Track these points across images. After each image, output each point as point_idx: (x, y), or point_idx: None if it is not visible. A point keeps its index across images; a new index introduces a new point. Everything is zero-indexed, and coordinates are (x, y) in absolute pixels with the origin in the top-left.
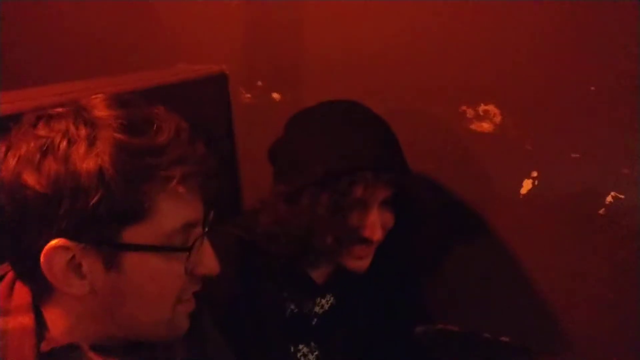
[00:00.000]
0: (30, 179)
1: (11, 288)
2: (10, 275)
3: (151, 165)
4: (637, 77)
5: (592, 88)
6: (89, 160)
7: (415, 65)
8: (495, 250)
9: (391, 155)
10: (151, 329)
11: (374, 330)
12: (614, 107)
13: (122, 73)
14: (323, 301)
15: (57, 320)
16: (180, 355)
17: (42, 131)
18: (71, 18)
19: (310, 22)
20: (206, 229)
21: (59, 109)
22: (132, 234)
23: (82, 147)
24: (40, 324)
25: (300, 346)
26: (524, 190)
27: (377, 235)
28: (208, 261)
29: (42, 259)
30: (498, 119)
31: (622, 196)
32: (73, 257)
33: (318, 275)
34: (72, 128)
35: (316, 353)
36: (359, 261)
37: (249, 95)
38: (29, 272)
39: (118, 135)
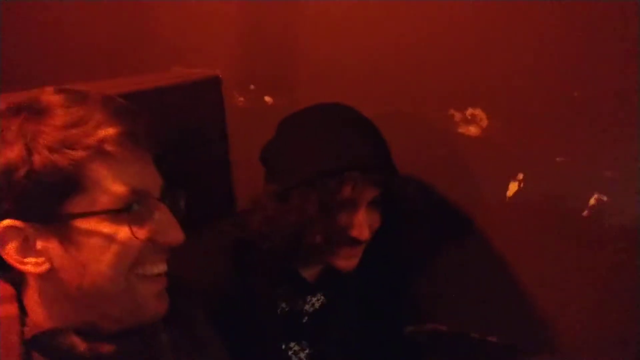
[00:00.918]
0: None
1: None
2: None
3: (74, 135)
4: (619, 82)
5: (576, 94)
6: (17, 141)
7: (404, 70)
8: (482, 251)
9: (379, 155)
10: (117, 306)
11: (364, 329)
12: (597, 112)
13: (116, 76)
14: (314, 299)
15: (35, 307)
16: (168, 346)
17: None
18: (67, 22)
19: (303, 26)
20: (166, 199)
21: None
22: (75, 205)
23: (10, 129)
24: (23, 312)
25: (292, 344)
26: (510, 193)
27: (365, 234)
28: (170, 229)
29: None
30: (485, 122)
31: (605, 198)
32: (26, 237)
33: (309, 274)
34: (5, 110)
35: (307, 351)
36: (347, 260)
37: (242, 99)
38: None
39: (46, 118)
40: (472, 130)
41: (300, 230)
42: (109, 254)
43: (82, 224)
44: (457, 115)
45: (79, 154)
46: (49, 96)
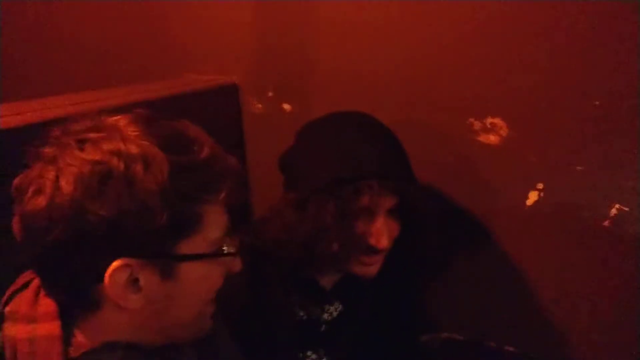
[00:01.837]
0: (92, 206)
1: (36, 296)
2: (35, 283)
3: (202, 180)
4: None
5: (597, 102)
6: (149, 180)
7: (423, 78)
8: (501, 260)
9: (397, 164)
10: (185, 330)
11: (381, 338)
12: (619, 121)
13: (132, 83)
14: (331, 308)
15: (91, 330)
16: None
17: (92, 154)
18: (82, 28)
19: (320, 33)
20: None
21: (102, 133)
22: (186, 245)
23: (139, 168)
24: (67, 332)
25: (309, 352)
26: (529, 202)
27: (383, 243)
28: (236, 260)
29: (107, 278)
30: (504, 131)
31: (627, 208)
32: (132, 273)
33: (326, 282)
34: (123, 149)
35: (325, 359)
36: (367, 268)
37: (259, 106)
38: (78, 290)
39: (167, 154)
40: (492, 139)
41: (316, 238)
42: (203, 289)
43: (189, 262)
44: (477, 124)
45: (204, 201)
46: (183, 122)
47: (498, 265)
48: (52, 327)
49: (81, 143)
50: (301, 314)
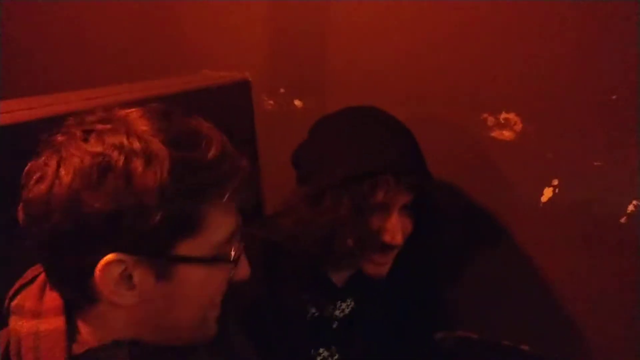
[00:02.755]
0: (89, 197)
1: (42, 291)
2: (41, 278)
3: (205, 180)
4: None
5: (614, 97)
6: (148, 176)
7: (437, 73)
8: (516, 257)
9: (413, 160)
10: (186, 333)
11: (394, 336)
12: (636, 115)
13: (146, 79)
14: (344, 305)
15: (91, 326)
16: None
17: (95, 146)
18: (98, 25)
19: (333, 29)
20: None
21: (108, 125)
22: (185, 247)
23: (139, 163)
24: (72, 328)
25: (321, 350)
26: (544, 198)
27: (397, 239)
28: (243, 268)
29: (97, 273)
30: (519, 126)
31: None
32: (126, 269)
33: (339, 279)
34: (126, 143)
35: (336, 357)
36: (378, 267)
37: (271, 102)
38: (75, 283)
39: (172, 150)
40: (506, 134)
41: (332, 232)
42: (202, 294)
43: (185, 265)
44: (491, 119)
45: (207, 202)
46: (198, 119)
47: (513, 262)
48: (57, 322)
49: (86, 134)
50: (313, 310)
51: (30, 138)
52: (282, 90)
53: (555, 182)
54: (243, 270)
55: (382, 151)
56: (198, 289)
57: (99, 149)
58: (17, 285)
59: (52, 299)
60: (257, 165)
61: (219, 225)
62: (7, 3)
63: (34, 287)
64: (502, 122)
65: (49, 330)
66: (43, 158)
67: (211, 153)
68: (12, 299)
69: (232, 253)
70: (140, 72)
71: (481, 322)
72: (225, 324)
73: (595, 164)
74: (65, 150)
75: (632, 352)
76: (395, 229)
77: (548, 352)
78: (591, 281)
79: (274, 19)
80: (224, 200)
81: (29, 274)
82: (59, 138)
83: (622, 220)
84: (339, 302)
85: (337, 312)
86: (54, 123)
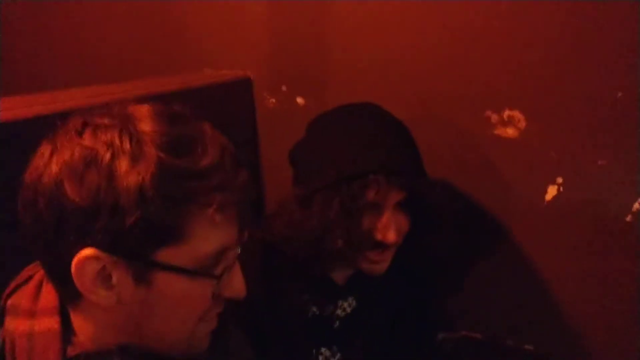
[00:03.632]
0: (70, 189)
1: (38, 290)
2: (37, 276)
3: (191, 189)
4: None
5: (620, 94)
6: (130, 177)
7: (440, 70)
8: (520, 256)
9: (404, 158)
10: (172, 345)
11: (395, 335)
12: None
13: (147, 78)
14: (345, 304)
15: (83, 327)
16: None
17: (87, 141)
18: (100, 23)
19: (334, 27)
20: (238, 251)
21: (106, 120)
22: (166, 254)
23: (124, 163)
24: (67, 328)
25: (322, 349)
26: (548, 197)
27: (390, 238)
28: (236, 285)
29: (73, 267)
30: (523, 124)
31: None
32: (104, 267)
33: (340, 278)
34: (117, 141)
35: (338, 356)
36: (376, 265)
37: (273, 100)
38: (60, 277)
39: (162, 154)
40: (510, 132)
41: (322, 235)
42: (183, 307)
43: (166, 273)
44: (494, 117)
45: (191, 211)
46: (204, 125)
47: (516, 261)
48: (51, 323)
49: (83, 128)
50: (314, 309)
51: (30, 135)
52: (283, 88)
53: (560, 180)
54: (237, 288)
55: (372, 151)
56: (178, 301)
57: (90, 143)
58: (13, 285)
59: (48, 298)
60: (258, 163)
61: (205, 238)
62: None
63: (30, 286)
64: (506, 119)
65: (43, 331)
66: (41, 148)
67: (204, 162)
68: (7, 298)
69: (219, 269)
70: (142, 70)
71: (484, 322)
72: (225, 336)
73: (599, 162)
74: (60, 142)
75: (636, 352)
76: (388, 227)
77: (552, 352)
78: (595, 280)
79: (275, 16)
80: (213, 212)
81: (24, 273)
82: (60, 130)
83: (627, 218)
84: (341, 301)
85: (338, 311)
86: (55, 120)
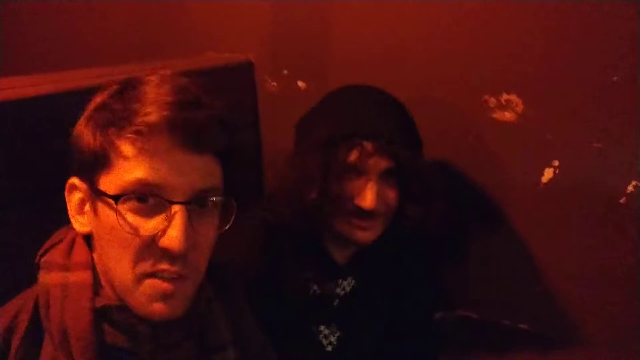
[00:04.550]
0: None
1: (70, 247)
2: (69, 236)
3: (117, 114)
4: None
5: (615, 78)
6: (87, 110)
7: (439, 55)
8: (516, 237)
9: (391, 127)
10: (125, 296)
11: (394, 314)
12: (636, 97)
13: (149, 61)
14: (344, 283)
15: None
16: (218, 335)
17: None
18: (103, 7)
19: (336, 11)
20: (183, 203)
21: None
22: (103, 182)
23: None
24: (96, 282)
25: (322, 327)
26: (544, 179)
27: (367, 203)
28: (171, 233)
29: (66, 193)
30: (520, 108)
31: None
32: (82, 198)
33: (340, 257)
34: (119, 87)
35: (337, 334)
36: (361, 232)
37: (274, 84)
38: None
39: (107, 98)
40: (507, 115)
41: (301, 188)
42: (114, 241)
43: (100, 200)
44: (492, 101)
45: (111, 134)
46: (149, 76)
47: (512, 242)
48: (84, 276)
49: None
50: (315, 288)
51: (34, 114)
52: (285, 71)
53: (556, 163)
54: (170, 237)
55: (359, 117)
56: (109, 231)
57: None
58: (46, 245)
59: (80, 254)
60: (259, 146)
61: (128, 166)
62: None
63: (63, 245)
64: (504, 103)
65: (76, 282)
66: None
67: (137, 104)
68: (41, 256)
69: (139, 202)
70: (145, 53)
71: (481, 301)
72: (239, 320)
73: (595, 145)
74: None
75: (632, 330)
76: (368, 194)
77: (547, 331)
78: (590, 261)
79: (277, 1)
80: (131, 136)
81: (56, 235)
82: None
83: (622, 200)
84: (340, 280)
85: (338, 290)
86: (58, 100)
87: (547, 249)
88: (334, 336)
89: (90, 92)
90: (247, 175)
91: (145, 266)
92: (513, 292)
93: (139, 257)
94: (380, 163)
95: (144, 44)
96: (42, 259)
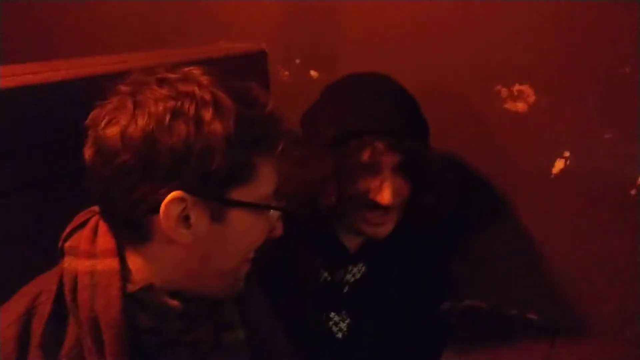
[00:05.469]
0: (162, 137)
1: (94, 234)
2: (93, 221)
3: (263, 133)
4: None
5: (627, 69)
6: (216, 125)
7: (451, 45)
8: (526, 228)
9: (401, 122)
10: (220, 282)
11: (403, 302)
12: None
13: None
14: (355, 270)
15: (141, 267)
16: (229, 315)
17: (169, 92)
18: None
19: (347, 1)
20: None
21: (176, 75)
22: (238, 193)
23: (209, 112)
24: (124, 268)
25: (332, 314)
26: (555, 170)
27: (384, 199)
28: (279, 226)
29: (162, 208)
30: (532, 99)
31: None
32: (185, 208)
33: (351, 244)
34: (197, 92)
35: (347, 321)
36: (377, 227)
37: (287, 73)
38: (131, 222)
39: (236, 104)
40: (519, 106)
41: (316, 191)
42: (246, 240)
43: (239, 209)
44: (504, 91)
45: (262, 154)
46: (258, 90)
47: (523, 233)
48: (112, 263)
49: (160, 82)
50: (325, 274)
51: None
52: (297, 61)
53: (567, 154)
54: (279, 228)
55: (368, 113)
56: (243, 235)
57: (173, 94)
58: (69, 229)
59: (106, 241)
60: None
61: (268, 178)
62: None
63: (87, 230)
64: (516, 94)
65: (105, 270)
66: (114, 103)
67: (267, 111)
68: (65, 241)
69: (277, 205)
70: (158, 42)
71: (489, 291)
72: (250, 285)
73: (606, 136)
74: (141, 95)
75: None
76: (383, 189)
77: (556, 321)
78: (600, 251)
79: None
80: (275, 155)
81: (78, 218)
82: (128, 87)
83: (632, 192)
84: (350, 266)
85: (348, 277)
86: (73, 86)
87: (556, 240)
88: (344, 323)
89: (104, 79)
90: None
91: (251, 255)
92: (521, 282)
93: (253, 252)
94: (392, 159)
95: (157, 33)
96: (66, 244)
